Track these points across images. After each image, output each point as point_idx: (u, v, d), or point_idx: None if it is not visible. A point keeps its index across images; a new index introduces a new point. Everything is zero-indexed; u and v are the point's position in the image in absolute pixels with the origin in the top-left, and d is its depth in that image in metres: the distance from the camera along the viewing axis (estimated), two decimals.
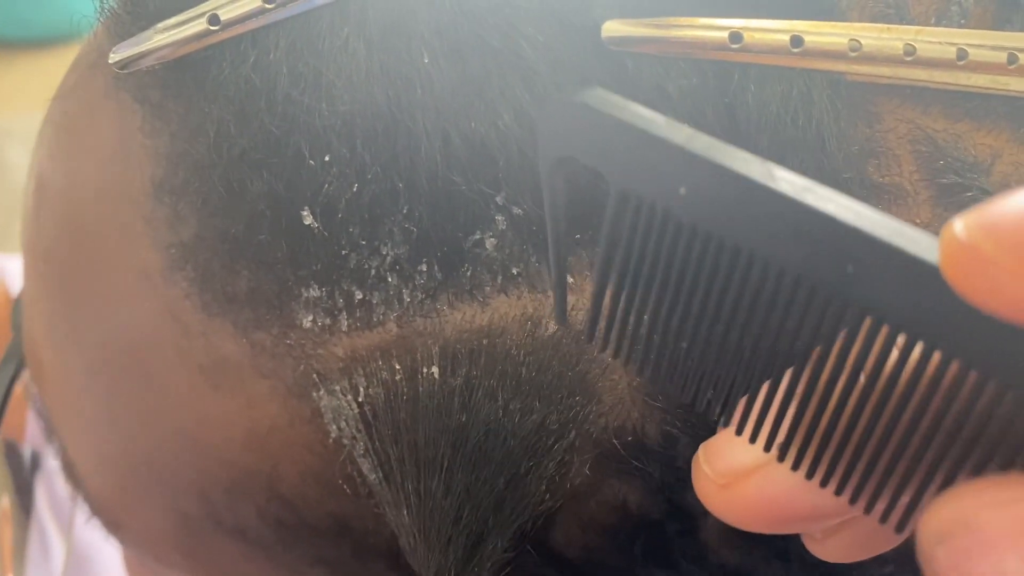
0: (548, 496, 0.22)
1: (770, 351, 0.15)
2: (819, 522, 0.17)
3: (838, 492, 0.15)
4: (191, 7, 0.21)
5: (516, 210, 0.20)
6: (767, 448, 0.16)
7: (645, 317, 0.16)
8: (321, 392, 0.21)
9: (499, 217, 0.20)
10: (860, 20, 0.20)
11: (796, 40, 0.19)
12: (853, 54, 0.19)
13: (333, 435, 0.22)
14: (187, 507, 0.24)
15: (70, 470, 0.28)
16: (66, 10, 0.97)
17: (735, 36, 0.19)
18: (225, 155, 0.21)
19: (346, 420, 0.21)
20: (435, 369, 0.21)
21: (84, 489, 0.28)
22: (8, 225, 0.63)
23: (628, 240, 0.16)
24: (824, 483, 0.16)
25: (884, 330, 0.14)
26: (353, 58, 0.20)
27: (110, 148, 0.23)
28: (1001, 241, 0.13)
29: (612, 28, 0.18)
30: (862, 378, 0.15)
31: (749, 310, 0.15)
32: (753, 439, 0.16)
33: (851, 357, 0.15)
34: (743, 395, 0.16)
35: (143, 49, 0.21)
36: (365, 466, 0.22)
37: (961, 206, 0.20)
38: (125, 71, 0.22)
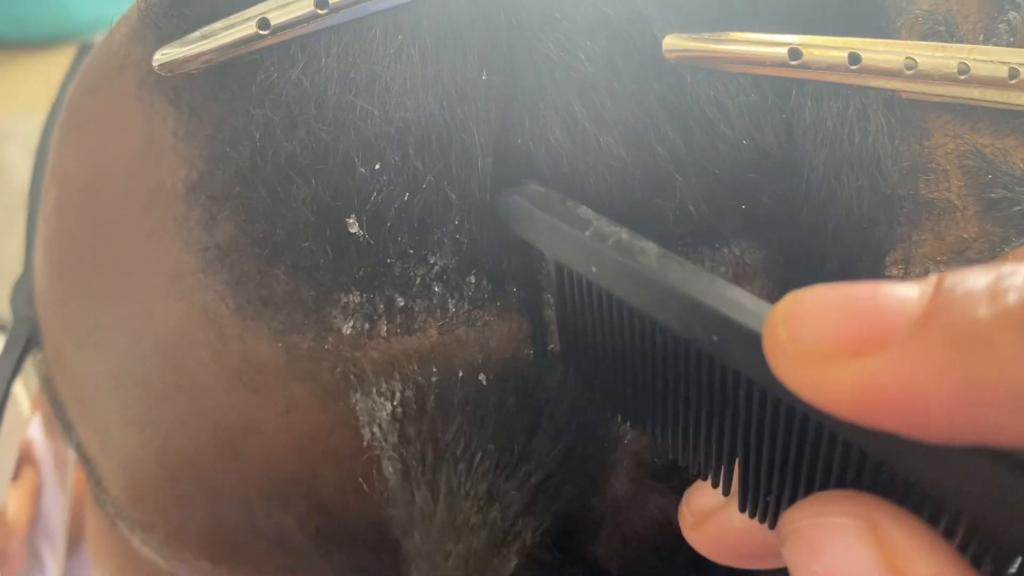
0: (577, 504, 0.22)
1: (689, 400, 0.18)
2: (775, 558, 0.18)
3: (771, 527, 0.18)
4: (237, 11, 0.20)
5: None
6: (725, 494, 0.18)
7: (598, 359, 0.20)
8: (358, 395, 0.21)
9: None
10: (911, 38, 0.20)
11: (854, 57, 0.19)
12: (909, 72, 0.19)
13: (367, 439, 0.21)
14: (224, 512, 0.24)
15: (90, 468, 0.28)
16: (64, 11, 0.97)
17: (794, 52, 0.19)
18: (271, 159, 0.20)
19: (379, 424, 0.21)
20: (482, 376, 0.21)
21: (106, 489, 0.27)
22: (8, 223, 0.63)
23: (570, 297, 0.19)
24: (765, 521, 0.18)
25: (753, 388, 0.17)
26: (407, 66, 0.19)
27: (138, 149, 0.23)
28: (796, 337, 0.15)
29: (672, 43, 0.18)
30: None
31: (661, 363, 0.18)
32: (715, 485, 0.19)
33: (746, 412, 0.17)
34: (690, 443, 0.19)
35: (189, 52, 0.21)
36: (392, 468, 0.22)
37: (1009, 220, 0.20)
38: (169, 74, 0.21)
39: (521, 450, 0.21)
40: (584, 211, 0.19)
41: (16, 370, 0.32)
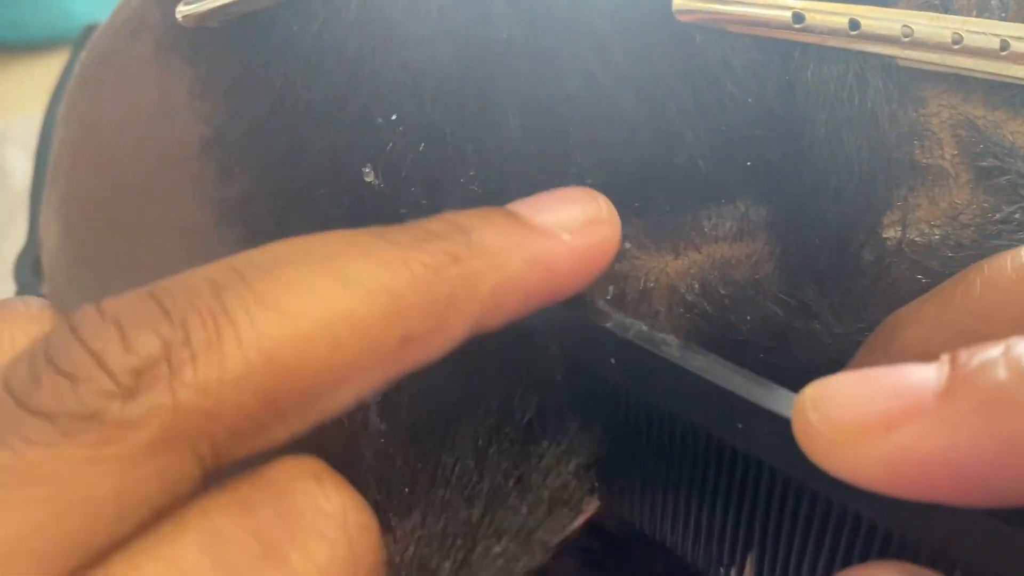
0: None
1: (704, 493, 0.19)
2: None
3: None
4: None
5: (587, 179, 0.20)
6: None
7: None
8: None
9: (569, 185, 0.20)
10: (908, 8, 0.21)
11: (854, 23, 0.20)
12: (905, 39, 0.20)
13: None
14: None
15: None
16: (62, 14, 0.98)
17: (798, 16, 0.19)
18: (290, 109, 0.21)
19: None
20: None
21: None
22: (7, 224, 0.63)
23: (581, 388, 0.20)
24: None
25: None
26: (426, 21, 0.20)
27: (154, 110, 0.23)
28: (824, 416, 0.16)
29: (682, 4, 0.19)
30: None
31: (676, 455, 0.19)
32: None
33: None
34: (702, 538, 0.20)
35: (213, 4, 0.21)
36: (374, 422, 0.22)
37: (999, 189, 0.21)
38: (191, 25, 0.22)
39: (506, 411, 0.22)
40: (602, 304, 0.20)
41: None
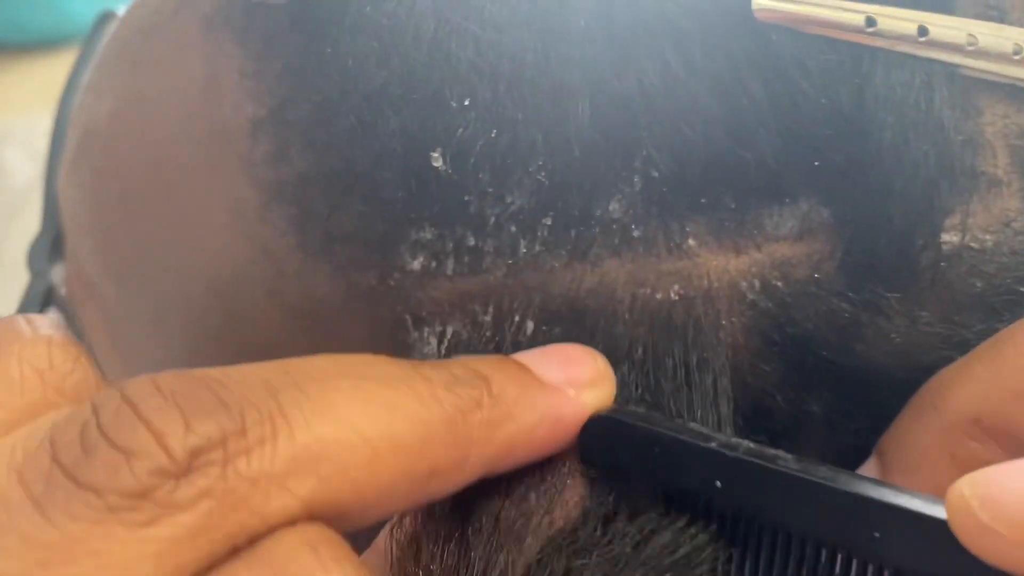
0: None
1: None
2: None
3: None
4: None
5: (653, 172, 0.20)
6: None
7: None
8: (414, 334, 0.22)
9: (636, 178, 0.20)
10: (967, 18, 0.22)
11: (922, 30, 0.20)
12: (969, 48, 0.21)
13: None
14: None
15: None
16: (64, 14, 0.97)
17: (871, 20, 0.20)
18: (362, 89, 0.21)
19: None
20: (530, 323, 0.21)
21: None
22: (7, 225, 0.63)
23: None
24: None
25: None
26: (504, 5, 0.20)
27: (199, 88, 0.23)
28: (998, 515, 0.15)
29: (761, 2, 0.20)
30: None
31: None
32: None
33: None
34: None
35: None
36: None
37: None
38: (250, 3, 0.22)
39: None
40: (697, 425, 0.20)
41: None
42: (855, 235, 0.21)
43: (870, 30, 0.20)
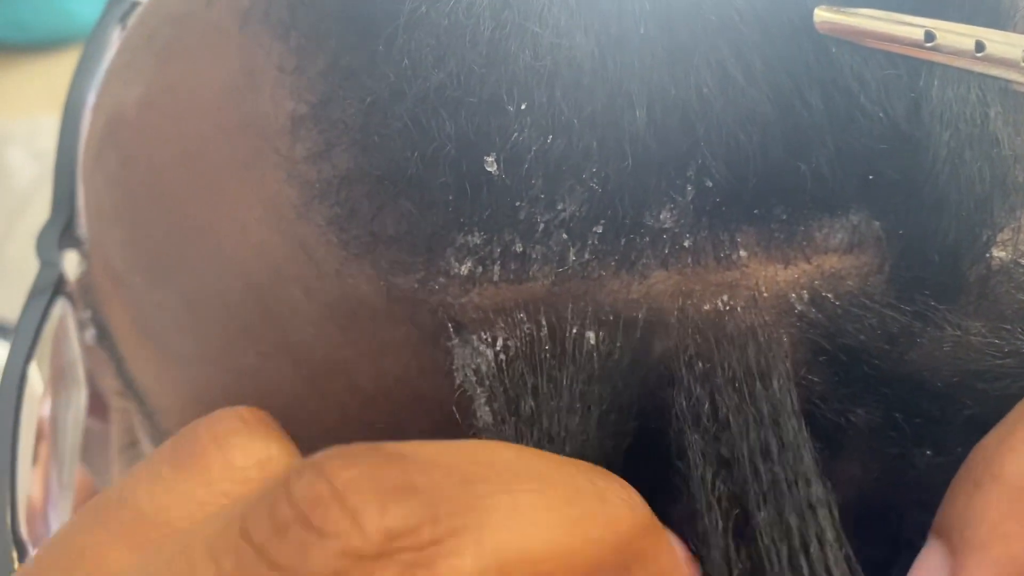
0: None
1: None
2: None
3: None
4: None
5: (707, 181, 0.20)
6: None
7: None
8: (454, 340, 0.21)
9: (688, 187, 0.20)
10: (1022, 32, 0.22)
11: (979, 45, 0.20)
12: (1023, 64, 0.21)
13: (458, 381, 0.21)
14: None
15: (140, 402, 0.27)
16: (65, 14, 0.97)
17: (929, 35, 0.20)
18: (417, 90, 0.20)
19: (474, 370, 0.21)
20: (590, 334, 0.21)
21: (158, 423, 0.27)
22: (8, 226, 0.62)
23: None
24: None
25: None
26: (563, 9, 0.20)
27: (235, 82, 0.23)
28: None
29: (822, 15, 0.20)
30: None
31: None
32: None
33: None
34: None
35: None
36: (485, 417, 0.22)
37: None
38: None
39: (625, 412, 0.21)
40: None
41: (45, 316, 0.31)
42: (905, 248, 0.21)
43: (928, 45, 0.20)
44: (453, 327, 0.21)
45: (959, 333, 0.21)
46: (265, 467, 0.19)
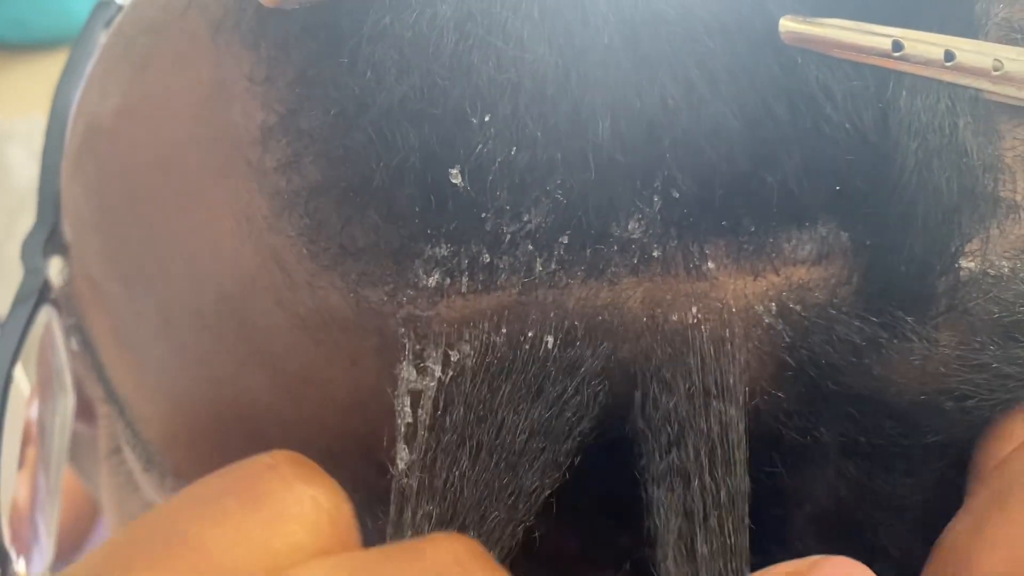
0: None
1: None
2: None
3: None
4: None
5: (674, 192, 0.20)
6: None
7: None
8: (419, 348, 0.21)
9: (655, 198, 0.20)
10: (994, 40, 0.21)
11: (949, 55, 0.20)
12: (995, 73, 0.21)
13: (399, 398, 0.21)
14: None
15: (120, 412, 0.27)
16: (65, 13, 0.98)
17: (897, 44, 0.20)
18: (381, 102, 0.20)
19: (430, 377, 0.21)
20: (549, 339, 0.21)
21: (139, 433, 0.27)
22: (9, 225, 0.63)
23: None
24: None
25: None
26: (526, 21, 0.20)
27: (207, 92, 0.23)
28: None
29: (788, 25, 0.19)
30: None
31: None
32: None
33: None
34: None
35: None
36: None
37: None
38: (278, 7, 0.21)
39: (575, 423, 0.21)
40: None
41: (29, 322, 0.31)
42: (873, 260, 0.21)
43: (896, 54, 0.20)
44: (419, 338, 0.21)
45: (927, 345, 0.21)
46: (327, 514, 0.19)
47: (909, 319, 0.21)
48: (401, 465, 0.21)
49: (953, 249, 0.21)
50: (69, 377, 0.33)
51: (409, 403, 0.21)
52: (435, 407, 0.21)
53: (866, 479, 0.22)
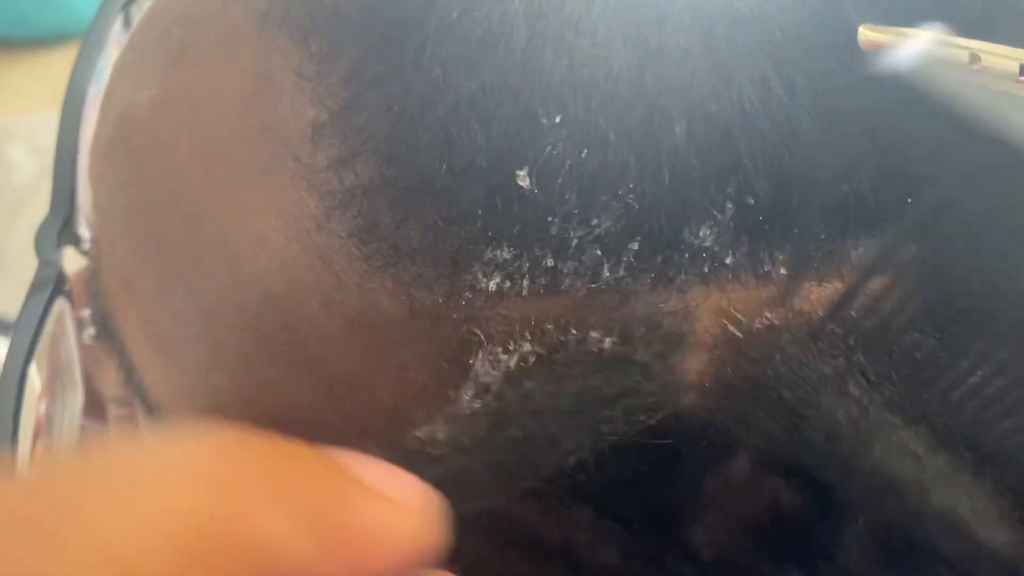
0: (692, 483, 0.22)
1: None
2: None
3: None
4: None
5: (749, 199, 0.20)
6: None
7: None
8: (480, 354, 0.21)
9: (728, 205, 0.20)
10: None
11: (1023, 68, 0.20)
12: None
13: (470, 396, 0.21)
14: None
15: (150, 414, 0.26)
16: (66, 10, 0.97)
17: (974, 57, 0.20)
18: (448, 100, 0.20)
19: (494, 381, 0.21)
20: (612, 340, 0.20)
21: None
22: (9, 223, 0.62)
23: None
24: None
25: None
26: (600, 20, 0.19)
27: (251, 86, 0.22)
28: None
29: (867, 33, 0.19)
30: None
31: None
32: None
33: None
34: None
35: None
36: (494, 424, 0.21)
37: None
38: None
39: (631, 422, 0.21)
40: None
41: (45, 313, 0.30)
42: (940, 276, 0.20)
43: (974, 68, 0.20)
44: (479, 341, 0.21)
45: (990, 367, 0.21)
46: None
47: (974, 338, 0.20)
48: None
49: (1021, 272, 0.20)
50: (79, 371, 0.33)
51: (470, 397, 0.21)
52: (496, 400, 0.21)
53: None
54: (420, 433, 0.21)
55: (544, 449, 0.21)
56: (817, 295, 0.21)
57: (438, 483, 0.20)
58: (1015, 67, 0.20)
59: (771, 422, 0.20)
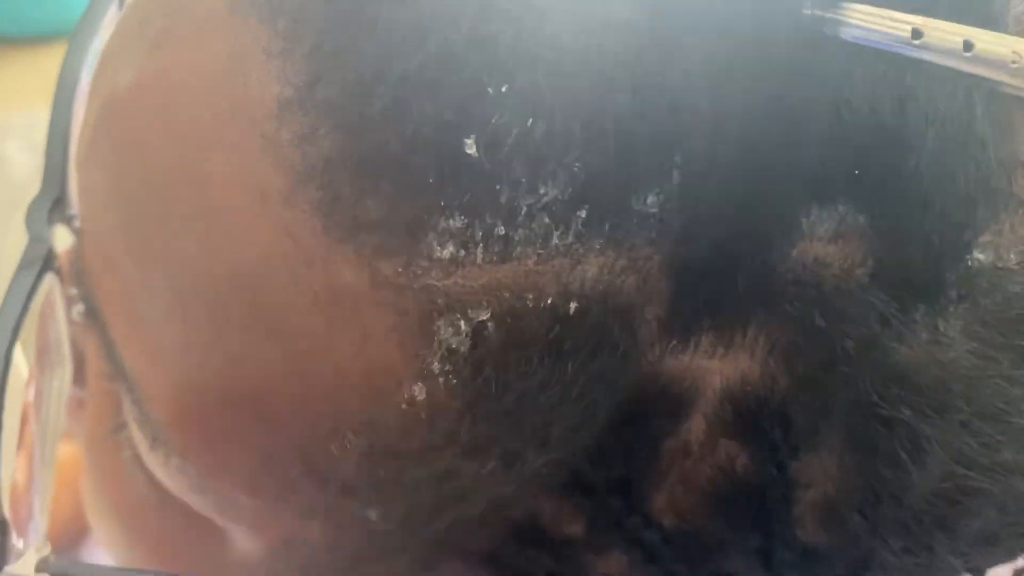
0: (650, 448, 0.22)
1: None
2: None
3: None
4: None
5: (694, 167, 0.20)
6: None
7: None
8: (440, 322, 0.21)
9: (675, 172, 0.20)
10: (1013, 34, 0.22)
11: (968, 44, 0.20)
12: (1013, 66, 0.21)
13: (435, 367, 0.21)
14: (279, 445, 0.23)
15: (130, 389, 0.27)
16: (62, 7, 0.96)
17: (917, 32, 0.20)
18: (398, 71, 0.20)
19: (449, 349, 0.21)
20: (574, 304, 0.21)
21: (148, 412, 0.26)
22: (7, 220, 0.62)
23: None
24: None
25: None
26: None
27: (224, 67, 0.23)
28: None
29: (812, 10, 0.20)
30: None
31: None
32: None
33: None
34: None
35: None
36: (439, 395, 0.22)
37: None
38: None
39: (598, 383, 0.21)
40: None
41: (34, 290, 0.30)
42: (889, 244, 0.21)
43: (916, 42, 0.20)
44: (440, 309, 0.21)
45: (930, 335, 0.21)
46: None
47: (920, 306, 0.21)
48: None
49: (966, 239, 0.21)
50: (68, 348, 0.33)
51: (438, 363, 0.21)
52: (465, 366, 0.21)
53: (871, 464, 0.22)
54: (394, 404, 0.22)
55: (520, 417, 0.22)
56: (767, 259, 0.21)
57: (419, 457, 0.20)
58: (959, 43, 0.20)
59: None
